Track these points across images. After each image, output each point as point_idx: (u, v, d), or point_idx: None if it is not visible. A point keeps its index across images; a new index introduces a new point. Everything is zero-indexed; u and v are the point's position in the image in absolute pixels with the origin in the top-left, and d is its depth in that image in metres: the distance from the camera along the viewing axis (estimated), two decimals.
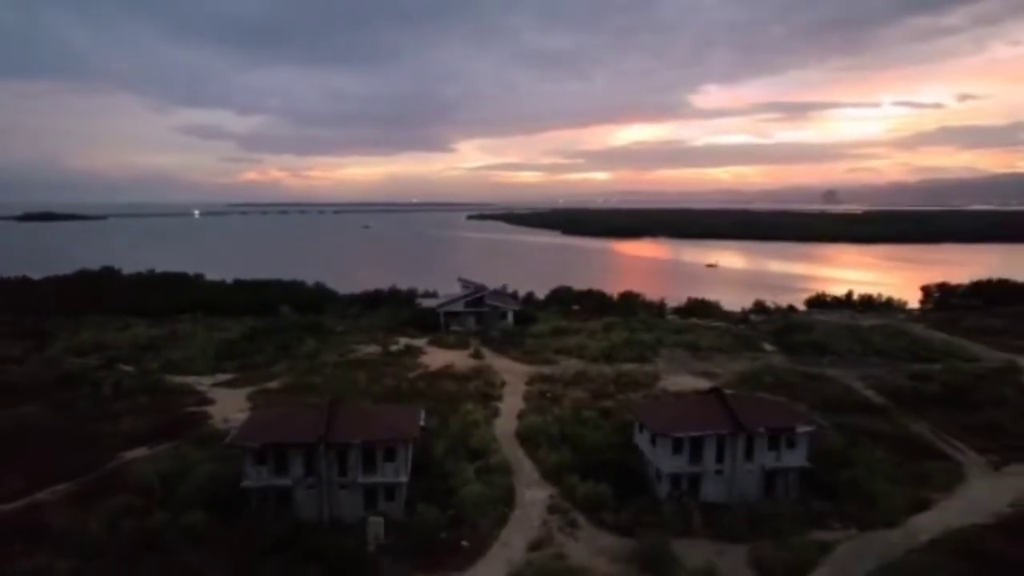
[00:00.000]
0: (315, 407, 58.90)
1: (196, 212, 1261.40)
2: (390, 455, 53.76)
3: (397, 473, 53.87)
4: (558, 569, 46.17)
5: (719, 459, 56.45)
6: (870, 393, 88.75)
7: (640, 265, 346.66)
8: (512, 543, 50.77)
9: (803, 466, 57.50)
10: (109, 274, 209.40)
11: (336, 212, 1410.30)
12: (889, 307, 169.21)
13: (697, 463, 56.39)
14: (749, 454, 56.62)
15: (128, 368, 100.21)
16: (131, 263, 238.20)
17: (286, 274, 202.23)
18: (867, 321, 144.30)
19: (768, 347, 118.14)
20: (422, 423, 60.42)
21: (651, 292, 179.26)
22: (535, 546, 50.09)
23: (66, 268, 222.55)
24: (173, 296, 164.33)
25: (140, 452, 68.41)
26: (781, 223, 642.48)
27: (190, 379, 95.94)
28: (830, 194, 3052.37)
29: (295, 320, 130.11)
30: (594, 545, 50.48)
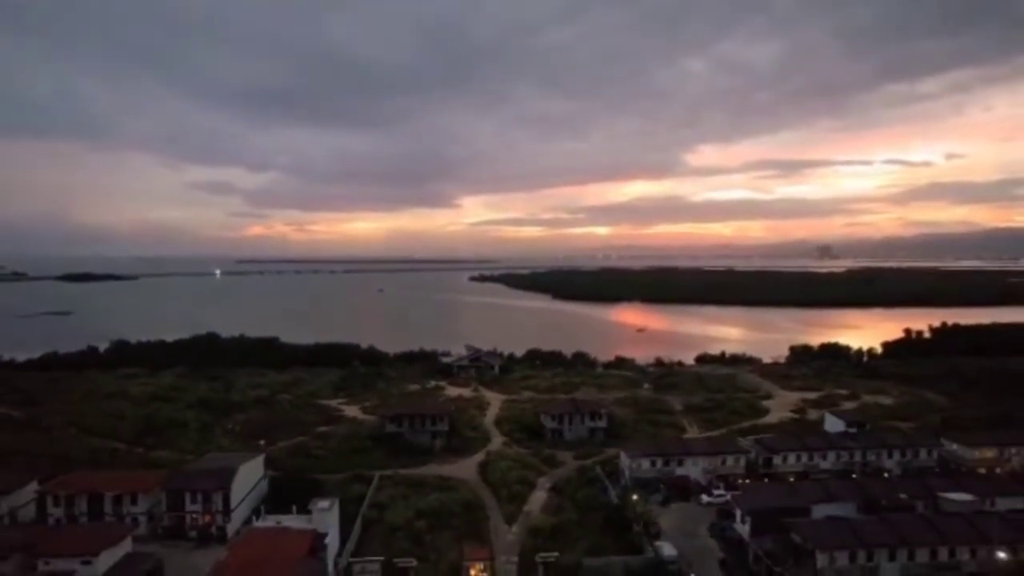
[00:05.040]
0: (409, 402, 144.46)
1: (217, 272, 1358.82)
2: (440, 419, 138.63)
3: (443, 426, 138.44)
4: (502, 453, 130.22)
5: (571, 423, 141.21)
6: (678, 406, 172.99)
7: (602, 328, 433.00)
8: (487, 450, 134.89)
9: (605, 427, 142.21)
10: (214, 337, 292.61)
11: (346, 272, 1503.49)
12: (749, 361, 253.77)
13: (562, 424, 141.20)
14: (583, 421, 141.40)
15: (287, 396, 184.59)
16: (209, 326, 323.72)
17: (335, 337, 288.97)
18: (721, 370, 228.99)
19: (646, 386, 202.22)
20: (453, 408, 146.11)
21: (595, 351, 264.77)
22: (496, 451, 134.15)
23: (169, 330, 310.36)
24: (278, 354, 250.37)
25: (324, 428, 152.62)
26: (753, 285, 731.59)
27: (324, 401, 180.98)
28: (825, 249, 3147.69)
29: (367, 370, 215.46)
30: (518, 451, 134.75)
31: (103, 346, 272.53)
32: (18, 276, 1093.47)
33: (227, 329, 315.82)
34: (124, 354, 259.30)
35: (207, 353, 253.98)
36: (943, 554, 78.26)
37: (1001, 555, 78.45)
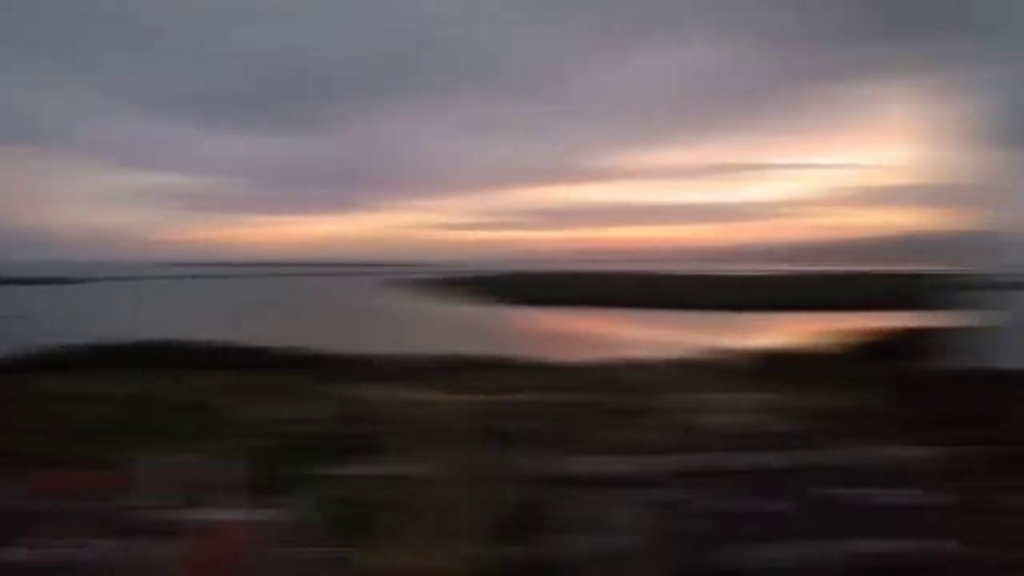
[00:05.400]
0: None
1: (166, 275, 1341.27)
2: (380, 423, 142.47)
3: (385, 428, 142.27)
4: (459, 454, 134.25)
5: (521, 426, 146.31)
6: (630, 407, 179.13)
7: (547, 333, 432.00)
8: (443, 451, 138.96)
9: (553, 429, 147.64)
10: (173, 341, 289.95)
11: (298, 275, 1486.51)
12: (697, 364, 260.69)
13: (514, 427, 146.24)
14: (531, 424, 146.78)
15: (230, 398, 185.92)
16: (167, 330, 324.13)
17: (278, 341, 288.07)
18: (674, 373, 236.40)
19: (591, 388, 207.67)
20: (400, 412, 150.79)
21: (541, 354, 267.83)
22: (452, 451, 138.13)
23: (129, 334, 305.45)
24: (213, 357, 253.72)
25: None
26: (705, 288, 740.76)
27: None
28: (779, 252, 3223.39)
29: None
30: (473, 453, 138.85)
31: (68, 349, 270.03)
32: None
33: (180, 333, 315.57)
34: (100, 356, 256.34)
35: (168, 357, 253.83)
36: (888, 545, 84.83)
37: (943, 544, 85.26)
